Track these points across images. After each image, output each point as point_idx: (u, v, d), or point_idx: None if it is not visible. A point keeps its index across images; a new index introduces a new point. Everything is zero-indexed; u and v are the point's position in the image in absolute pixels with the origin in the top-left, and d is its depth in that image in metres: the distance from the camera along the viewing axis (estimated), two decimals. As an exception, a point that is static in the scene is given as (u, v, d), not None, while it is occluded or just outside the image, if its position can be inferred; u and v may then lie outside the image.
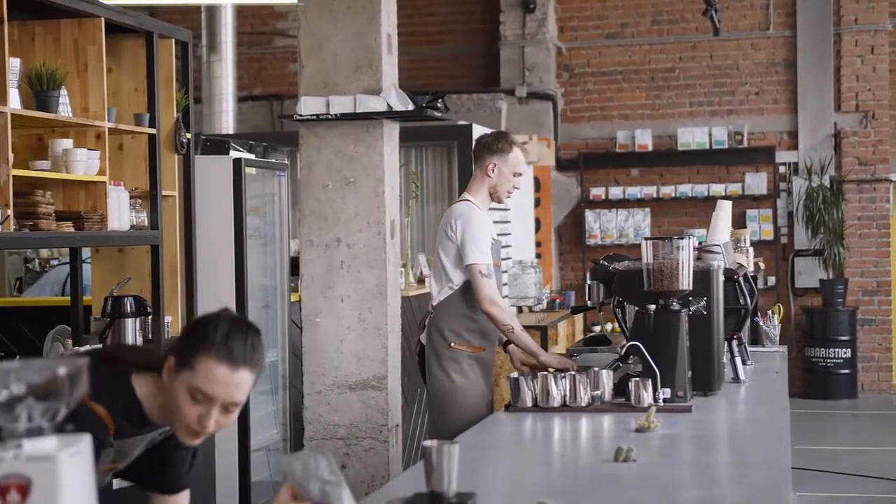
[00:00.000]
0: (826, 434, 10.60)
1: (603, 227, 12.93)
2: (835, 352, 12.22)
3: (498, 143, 5.34)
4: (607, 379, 4.31)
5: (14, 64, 4.71)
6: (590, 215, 12.93)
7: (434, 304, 5.31)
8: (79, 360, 1.72)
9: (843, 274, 12.46)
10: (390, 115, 5.77)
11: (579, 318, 11.53)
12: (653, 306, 4.35)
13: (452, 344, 5.20)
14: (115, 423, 2.61)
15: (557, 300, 11.31)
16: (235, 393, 2.56)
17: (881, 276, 12.61)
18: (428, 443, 2.69)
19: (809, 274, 12.57)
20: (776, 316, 6.35)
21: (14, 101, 4.68)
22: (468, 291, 5.14)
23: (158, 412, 2.67)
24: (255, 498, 6.58)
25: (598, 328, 12.33)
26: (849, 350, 12.24)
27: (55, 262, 9.27)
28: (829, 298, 12.31)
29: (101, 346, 5.10)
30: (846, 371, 12.26)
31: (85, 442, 1.75)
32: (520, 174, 5.36)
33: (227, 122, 10.68)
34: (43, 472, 1.67)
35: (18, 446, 1.69)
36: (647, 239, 4.41)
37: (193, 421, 2.58)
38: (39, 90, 4.82)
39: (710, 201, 12.49)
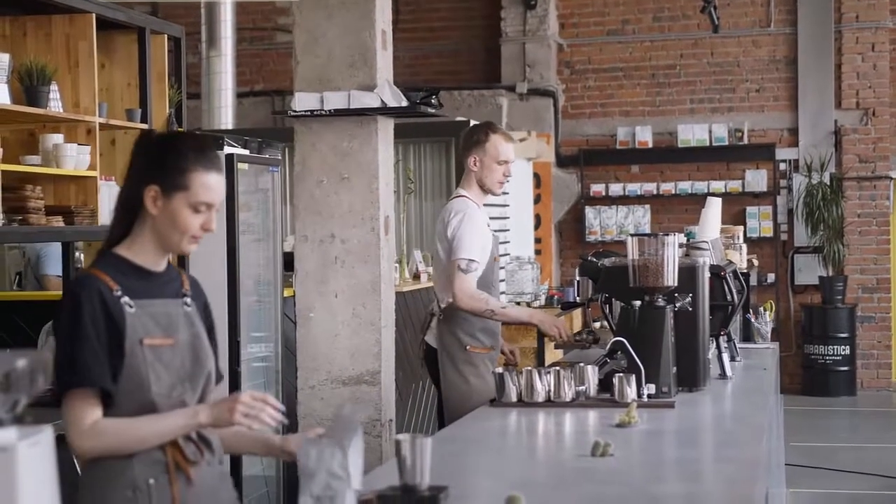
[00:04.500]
0: (824, 431, 10.62)
1: (603, 223, 12.94)
2: (834, 349, 12.22)
3: (474, 135, 5.32)
4: (592, 374, 4.32)
5: (3, 59, 4.73)
6: (590, 212, 12.94)
7: (443, 305, 5.24)
8: (40, 353, 1.75)
9: (842, 271, 12.46)
10: (384, 111, 5.78)
11: (578, 313, 11.54)
12: (638, 302, 4.36)
13: (468, 347, 5.18)
14: (116, 282, 2.78)
15: (556, 296, 11.31)
16: (223, 192, 2.87)
17: (881, 274, 12.61)
18: (400, 437, 2.72)
19: (809, 271, 12.58)
20: (768, 313, 6.35)
21: (4, 97, 4.71)
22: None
23: (151, 257, 2.86)
24: (248, 492, 6.59)
25: (598, 324, 12.33)
26: (848, 347, 12.25)
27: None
28: (828, 295, 12.31)
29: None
30: (845, 368, 12.27)
31: (45, 433, 1.77)
32: (504, 162, 5.28)
33: (226, 117, 10.70)
34: (0, 463, 1.69)
35: (-23, 437, 1.71)
36: (632, 235, 4.42)
37: (196, 229, 2.82)
38: (29, 85, 4.84)
39: (710, 198, 12.48)
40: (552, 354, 9.12)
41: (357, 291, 5.77)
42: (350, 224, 5.79)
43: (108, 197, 5.26)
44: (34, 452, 1.74)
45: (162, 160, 2.82)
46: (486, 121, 5.61)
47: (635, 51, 13.08)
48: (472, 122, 9.98)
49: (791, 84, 12.75)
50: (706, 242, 5.16)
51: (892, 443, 10.20)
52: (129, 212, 2.85)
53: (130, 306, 2.78)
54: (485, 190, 5.33)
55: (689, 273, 4.50)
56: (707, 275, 4.66)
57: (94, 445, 2.76)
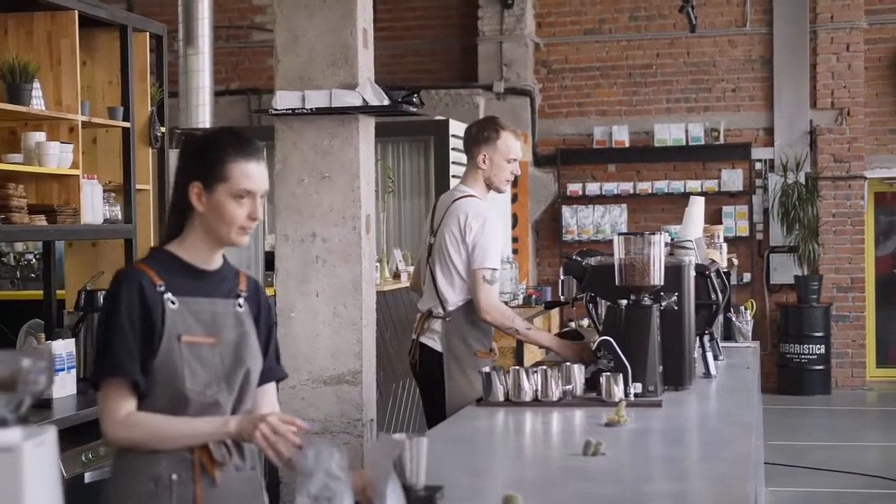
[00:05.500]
0: (799, 429, 10.67)
1: (580, 222, 12.96)
2: (809, 348, 12.29)
3: (484, 131, 5.11)
4: (579, 374, 4.32)
5: (-15, 57, 4.70)
6: (567, 211, 12.96)
7: (450, 308, 5.04)
8: (43, 353, 1.73)
9: (817, 270, 12.53)
10: (366, 109, 5.77)
11: (555, 313, 11.56)
12: (624, 301, 4.36)
13: (478, 352, 5.04)
14: (160, 277, 2.83)
15: (534, 296, 11.33)
16: (265, 181, 2.91)
17: (855, 273, 12.69)
18: (396, 436, 2.71)
19: (784, 270, 12.64)
20: (749, 312, 6.38)
21: (-15, 95, 4.68)
22: None
23: (202, 255, 2.89)
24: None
25: (573, 323, 12.37)
26: (823, 346, 12.32)
27: (30, 257, 9.24)
28: (803, 295, 12.38)
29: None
30: (820, 367, 12.34)
31: (49, 433, 1.76)
32: (514, 160, 5.10)
33: (203, 116, 10.62)
34: (6, 463, 1.68)
35: (-18, 438, 1.70)
36: (619, 234, 4.42)
37: (243, 219, 2.86)
38: (12, 83, 4.80)
39: (686, 197, 12.42)
40: (531, 355, 9.13)
41: (338, 291, 5.77)
42: (331, 223, 5.78)
43: (90, 195, 5.23)
44: (39, 453, 1.72)
45: (201, 156, 2.88)
46: (490, 116, 5.42)
47: (612, 50, 13.11)
48: (452, 122, 10.00)
49: (767, 84, 12.81)
50: (691, 241, 5.17)
51: (866, 441, 10.28)
52: (179, 213, 2.90)
53: (173, 302, 2.82)
54: (492, 188, 5.15)
55: (675, 272, 4.51)
56: (693, 274, 4.67)
57: (126, 436, 2.80)
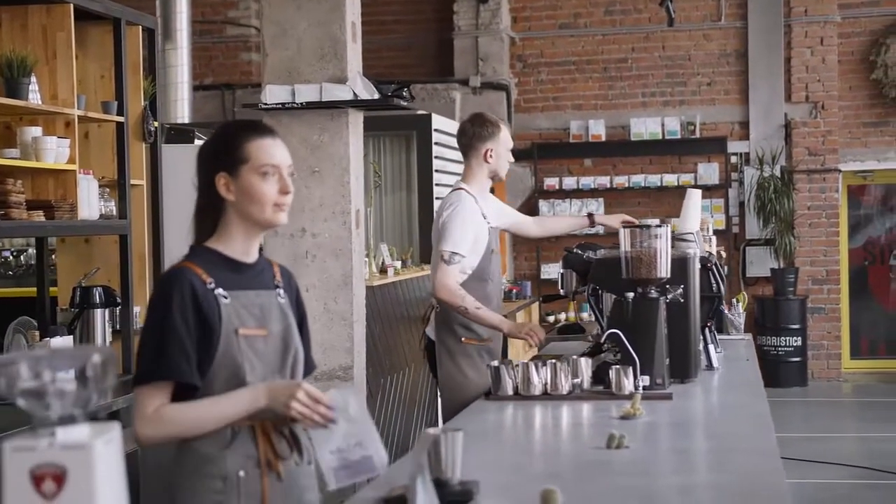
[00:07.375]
0: (777, 421, 10.62)
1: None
2: (785, 340, 12.36)
3: (487, 128, 5.27)
4: (586, 367, 4.32)
5: (-19, 51, 4.63)
6: (544, 205, 12.96)
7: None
8: (111, 349, 1.70)
9: (793, 263, 12.60)
10: (356, 104, 5.75)
11: (535, 307, 11.58)
12: (631, 294, 4.36)
13: (463, 339, 5.14)
14: (209, 274, 2.82)
15: (514, 290, 11.35)
16: (287, 155, 2.90)
17: (830, 265, 12.77)
18: (432, 430, 2.69)
19: (760, 263, 12.70)
20: (741, 304, 6.40)
21: (-19, 89, 4.61)
22: (473, 283, 5.08)
23: (241, 246, 2.88)
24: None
25: (551, 318, 12.39)
26: (799, 338, 12.39)
27: (7, 253, 9.15)
28: (779, 287, 12.45)
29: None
30: (797, 359, 12.41)
31: (115, 430, 1.73)
32: (510, 148, 5.38)
33: (182, 111, 10.55)
34: (78, 461, 1.66)
35: (52, 434, 1.68)
36: (625, 227, 4.42)
37: (274, 195, 2.83)
38: (10, 77, 4.74)
39: (662, 191, 12.61)
40: (515, 350, 9.12)
41: (329, 286, 5.75)
42: (321, 218, 5.76)
43: (86, 191, 5.17)
44: (108, 449, 1.70)
45: (218, 149, 2.89)
46: (478, 112, 5.53)
47: (587, 44, 13.12)
48: (434, 116, 9.96)
49: (742, 77, 12.86)
50: (692, 234, 5.18)
51: (845, 432, 10.34)
52: (209, 213, 2.89)
53: (225, 297, 2.81)
54: (496, 178, 5.36)
55: (680, 264, 4.51)
56: (697, 266, 4.67)
57: (153, 433, 2.75)
